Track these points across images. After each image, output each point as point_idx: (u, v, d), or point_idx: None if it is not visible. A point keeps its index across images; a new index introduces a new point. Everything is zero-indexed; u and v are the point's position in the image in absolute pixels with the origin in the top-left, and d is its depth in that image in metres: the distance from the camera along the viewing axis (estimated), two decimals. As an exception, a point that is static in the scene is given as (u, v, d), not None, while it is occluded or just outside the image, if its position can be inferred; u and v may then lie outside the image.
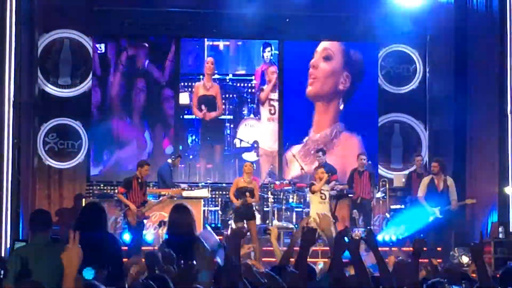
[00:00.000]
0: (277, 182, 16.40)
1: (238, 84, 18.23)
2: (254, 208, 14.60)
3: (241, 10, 16.85)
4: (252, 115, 18.11)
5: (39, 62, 17.43)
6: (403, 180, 16.96)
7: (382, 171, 18.11)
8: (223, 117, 18.11)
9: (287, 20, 18.01)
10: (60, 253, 6.27)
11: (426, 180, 14.44)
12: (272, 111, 18.10)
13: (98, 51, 17.76)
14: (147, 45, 18.02)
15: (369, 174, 15.88)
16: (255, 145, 18.06)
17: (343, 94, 18.31)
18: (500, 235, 14.73)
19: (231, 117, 18.16)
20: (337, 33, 18.23)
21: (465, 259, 14.78)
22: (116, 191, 15.75)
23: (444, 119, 17.78)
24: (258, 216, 16.25)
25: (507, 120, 14.87)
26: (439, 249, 14.09)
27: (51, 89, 17.70)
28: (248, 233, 14.03)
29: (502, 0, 15.14)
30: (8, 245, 13.40)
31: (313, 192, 14.30)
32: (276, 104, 18.12)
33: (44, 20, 17.43)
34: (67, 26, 17.84)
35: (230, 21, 17.10)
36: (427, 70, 18.56)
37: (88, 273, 5.96)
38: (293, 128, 18.13)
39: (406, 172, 17.04)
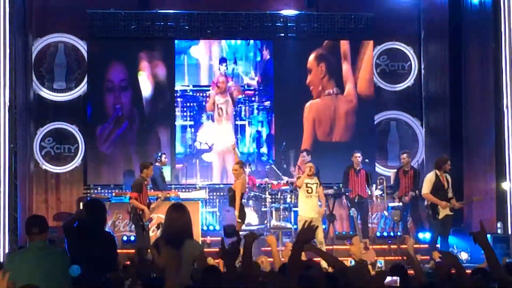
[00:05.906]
0: (275, 182, 16.38)
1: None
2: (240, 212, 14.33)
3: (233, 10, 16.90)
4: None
5: (34, 67, 17.41)
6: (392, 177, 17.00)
7: (379, 168, 18.10)
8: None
9: (281, 20, 17.99)
10: (56, 257, 6.34)
11: (431, 177, 14.24)
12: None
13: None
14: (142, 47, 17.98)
15: (366, 173, 15.91)
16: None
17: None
18: (499, 231, 14.73)
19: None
20: (331, 31, 18.19)
21: (464, 255, 14.80)
22: (114, 193, 15.72)
23: (440, 115, 17.78)
24: (255, 216, 16.27)
25: (503, 116, 14.86)
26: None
27: (46, 93, 17.67)
28: None
29: (496, -3, 15.16)
30: (7, 250, 13.37)
31: (298, 186, 14.56)
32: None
33: (38, 24, 17.44)
34: (61, 30, 17.80)
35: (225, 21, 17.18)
36: (422, 67, 18.56)
37: (74, 271, 6.05)
38: (286, 129, 18.07)
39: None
